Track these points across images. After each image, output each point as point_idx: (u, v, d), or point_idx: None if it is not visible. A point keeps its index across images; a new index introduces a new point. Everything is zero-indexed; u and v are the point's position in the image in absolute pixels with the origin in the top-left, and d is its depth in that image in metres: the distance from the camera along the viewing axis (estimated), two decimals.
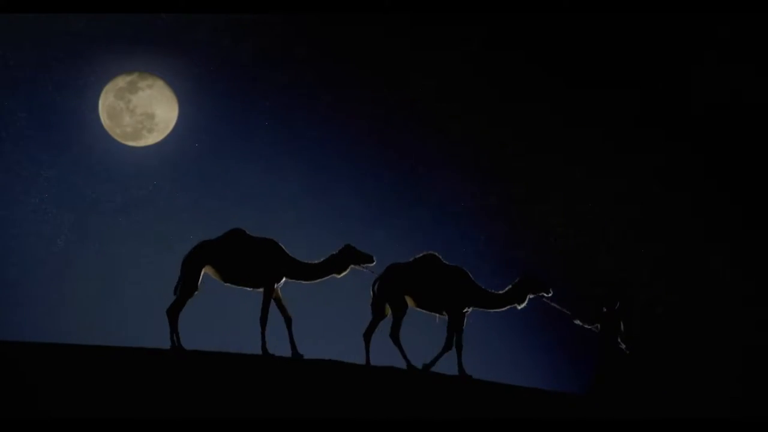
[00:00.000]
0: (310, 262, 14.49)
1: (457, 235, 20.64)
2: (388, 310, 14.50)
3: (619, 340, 14.87)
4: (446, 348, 14.47)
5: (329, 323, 18.53)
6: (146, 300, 19.65)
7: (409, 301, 14.52)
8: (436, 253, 14.68)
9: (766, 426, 13.05)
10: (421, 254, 14.67)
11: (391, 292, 14.44)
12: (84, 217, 20.65)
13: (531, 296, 14.65)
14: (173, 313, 14.18)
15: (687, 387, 19.28)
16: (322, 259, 14.53)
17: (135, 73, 20.42)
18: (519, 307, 14.67)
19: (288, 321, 14.41)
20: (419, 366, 14.36)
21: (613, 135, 20.64)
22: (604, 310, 14.94)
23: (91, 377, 12.51)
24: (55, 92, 20.48)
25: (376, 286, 14.49)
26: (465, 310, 14.49)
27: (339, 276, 14.55)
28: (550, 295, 14.68)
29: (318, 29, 20.41)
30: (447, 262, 14.62)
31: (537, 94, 20.64)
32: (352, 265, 14.50)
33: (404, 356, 14.37)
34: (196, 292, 14.28)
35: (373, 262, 14.52)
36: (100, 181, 20.68)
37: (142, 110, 20.33)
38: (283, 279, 14.40)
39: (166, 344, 14.13)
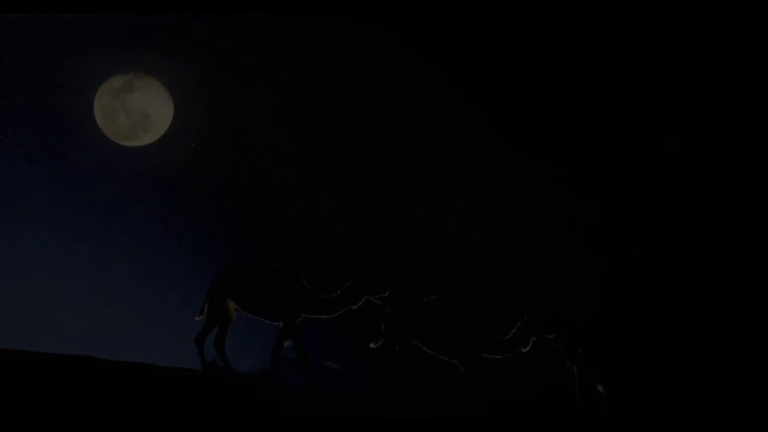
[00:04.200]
0: (327, 296, 14.31)
1: (454, 236, 20.65)
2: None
3: (593, 382, 14.65)
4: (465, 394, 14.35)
5: None
6: (144, 301, 19.66)
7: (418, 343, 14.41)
8: (447, 297, 14.51)
9: (766, 426, 13.10)
10: (433, 297, 14.51)
11: (397, 336, 14.32)
12: (80, 217, 20.62)
13: (534, 339, 14.44)
14: (200, 340, 14.11)
15: (685, 386, 19.32)
16: (338, 292, 14.33)
17: (130, 73, 20.44)
18: (524, 351, 14.48)
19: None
20: None
21: (610, 134, 20.70)
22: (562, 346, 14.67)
23: (87, 386, 12.44)
24: (50, 92, 20.47)
25: (383, 327, 14.40)
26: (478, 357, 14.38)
27: (355, 308, 14.36)
28: (552, 336, 14.47)
29: (318, 29, 20.44)
30: (456, 305, 14.48)
31: (535, 93, 20.70)
32: (366, 296, 14.28)
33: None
34: (228, 325, 14.24)
35: (386, 293, 14.27)
36: (96, 181, 20.67)
37: (137, 110, 20.37)
38: (302, 315, 14.26)
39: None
